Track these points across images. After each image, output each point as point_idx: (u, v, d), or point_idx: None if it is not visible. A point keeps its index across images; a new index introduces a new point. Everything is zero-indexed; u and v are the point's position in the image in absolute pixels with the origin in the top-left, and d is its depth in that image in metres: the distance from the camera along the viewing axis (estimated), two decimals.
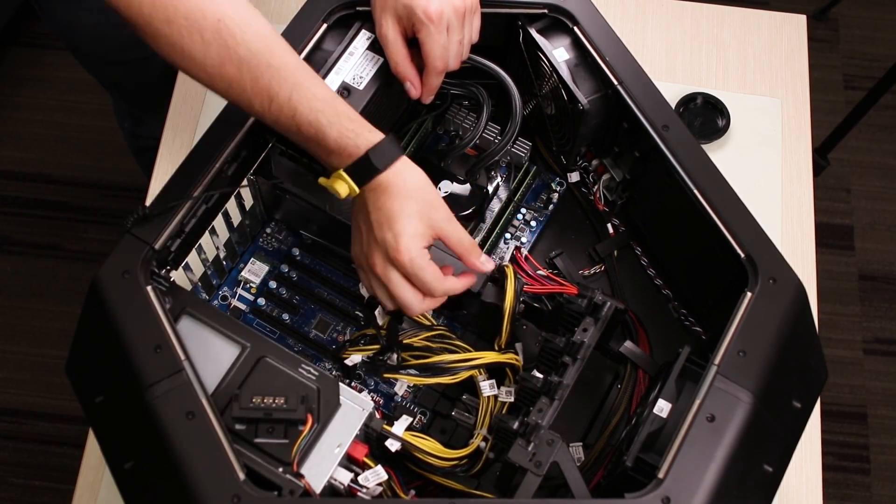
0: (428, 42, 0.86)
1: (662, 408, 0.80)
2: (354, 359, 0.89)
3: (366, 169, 0.79)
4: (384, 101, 0.92)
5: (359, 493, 0.79)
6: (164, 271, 0.85)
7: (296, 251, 1.01)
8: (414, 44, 0.88)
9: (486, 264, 0.84)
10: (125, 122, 1.50)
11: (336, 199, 0.81)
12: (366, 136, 0.79)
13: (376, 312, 0.91)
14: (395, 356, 0.87)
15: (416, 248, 0.79)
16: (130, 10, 0.76)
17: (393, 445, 0.82)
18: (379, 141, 0.79)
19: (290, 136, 0.81)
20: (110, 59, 1.29)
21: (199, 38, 0.76)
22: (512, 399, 0.88)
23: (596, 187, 1.03)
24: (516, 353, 0.89)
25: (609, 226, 1.02)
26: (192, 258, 0.90)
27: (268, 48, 0.78)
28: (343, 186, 0.80)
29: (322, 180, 0.82)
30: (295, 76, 0.79)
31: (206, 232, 0.90)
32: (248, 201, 0.97)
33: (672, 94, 1.12)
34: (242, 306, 0.98)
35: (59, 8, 1.21)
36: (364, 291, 0.95)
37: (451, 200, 0.97)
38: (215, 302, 0.99)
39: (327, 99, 0.79)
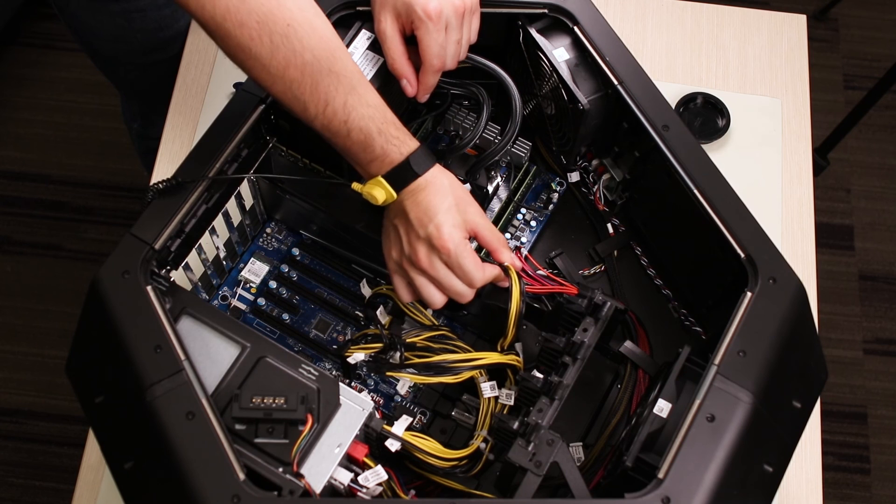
0: (426, 40, 0.86)
1: (662, 408, 0.80)
2: (357, 357, 0.89)
3: (404, 174, 0.83)
4: (384, 100, 0.92)
5: (359, 493, 0.79)
6: (164, 271, 0.85)
7: (296, 251, 1.01)
8: (412, 41, 0.88)
9: (515, 262, 0.87)
10: (134, 123, 1.49)
11: (337, 201, 0.83)
12: (408, 143, 0.83)
13: (378, 312, 0.92)
14: (397, 355, 0.87)
15: (459, 237, 0.83)
16: (203, 12, 0.78)
17: (393, 445, 0.82)
18: (416, 148, 0.83)
19: (338, 139, 0.83)
20: (126, 61, 1.30)
21: (269, 42, 0.78)
22: (512, 402, 0.88)
23: (596, 187, 1.03)
24: (517, 354, 0.89)
25: (609, 226, 1.02)
26: (192, 258, 0.90)
27: (330, 54, 0.81)
28: (381, 192, 0.83)
29: (357, 186, 0.85)
30: (351, 82, 0.81)
31: (206, 232, 0.90)
32: (248, 201, 0.97)
33: (672, 94, 1.12)
34: (242, 306, 0.98)
35: (79, 10, 1.21)
36: (365, 291, 0.95)
37: None
38: (215, 302, 0.99)
39: (378, 106, 0.83)
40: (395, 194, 0.83)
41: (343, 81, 0.81)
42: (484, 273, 0.85)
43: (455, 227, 0.83)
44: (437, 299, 0.85)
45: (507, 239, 1.02)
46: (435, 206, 0.83)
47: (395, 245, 0.86)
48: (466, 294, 0.85)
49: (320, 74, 0.80)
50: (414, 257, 0.84)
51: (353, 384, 0.94)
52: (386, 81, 0.90)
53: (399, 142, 0.83)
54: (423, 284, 0.85)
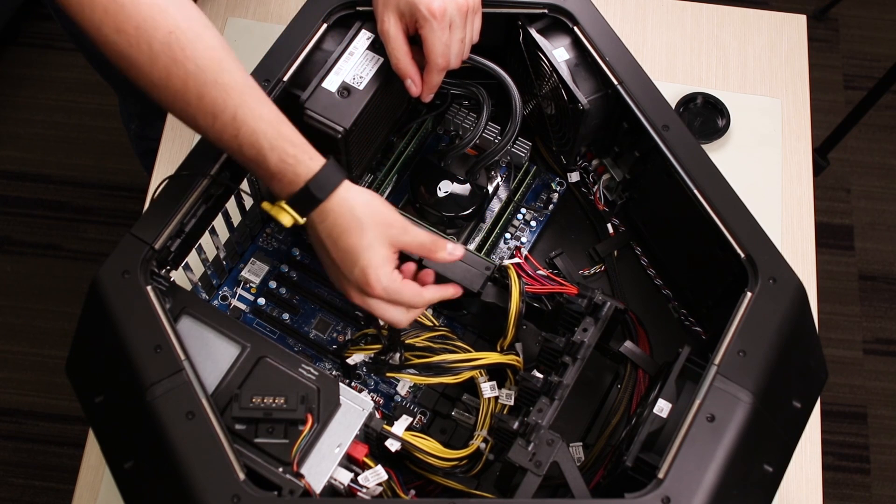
0: (430, 38, 0.86)
1: (662, 408, 0.80)
2: (357, 358, 0.89)
3: (307, 199, 0.77)
4: (384, 101, 0.92)
5: (359, 493, 0.79)
6: (164, 271, 0.85)
7: (296, 251, 1.01)
8: (415, 41, 0.88)
9: (455, 251, 0.83)
10: (132, 124, 1.49)
11: None
12: (306, 163, 0.76)
13: None
14: (397, 355, 0.87)
15: (386, 277, 0.78)
16: (82, 14, 0.74)
17: (393, 445, 0.82)
18: (319, 169, 0.76)
19: (234, 156, 0.78)
20: None
21: (148, 49, 0.74)
22: (512, 402, 0.88)
23: (596, 187, 1.03)
24: (517, 354, 0.89)
25: (609, 226, 1.02)
26: (192, 258, 0.90)
27: (217, 65, 0.76)
28: (286, 217, 0.78)
29: (266, 206, 0.79)
30: (241, 95, 0.76)
31: (206, 232, 0.90)
32: (248, 201, 0.97)
33: (672, 94, 1.12)
34: (242, 306, 0.98)
35: None
36: None
37: (451, 200, 0.97)
38: (215, 302, 0.99)
39: (271, 120, 0.77)
40: (300, 220, 0.78)
41: (232, 94, 0.75)
42: (424, 297, 0.81)
43: (381, 267, 0.77)
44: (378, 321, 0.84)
45: (507, 239, 1.02)
46: (354, 247, 0.77)
47: (329, 270, 0.82)
48: (402, 320, 0.81)
49: (206, 86, 0.75)
50: (346, 293, 0.80)
51: (353, 384, 0.94)
52: (386, 81, 0.90)
53: (294, 161, 0.76)
54: (362, 307, 0.82)
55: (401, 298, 0.79)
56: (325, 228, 0.78)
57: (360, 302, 0.80)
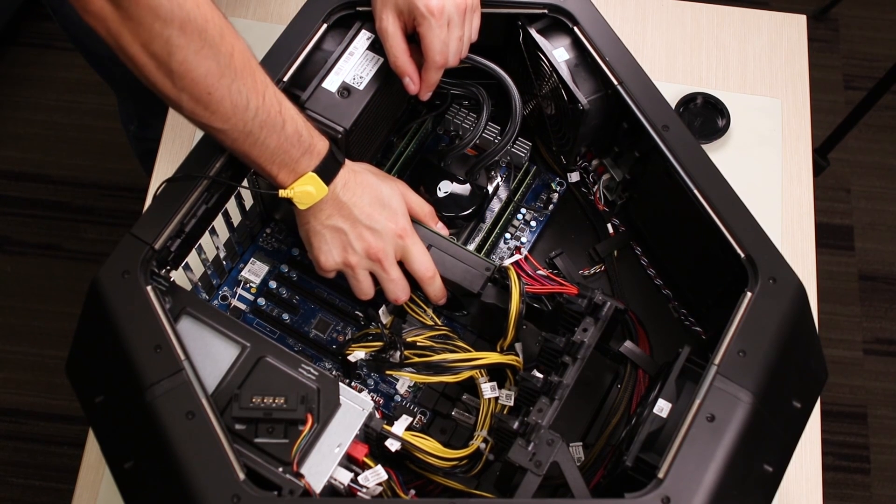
0: (428, 36, 0.86)
1: (662, 408, 0.80)
2: (357, 355, 0.89)
3: (331, 166, 0.83)
4: (384, 101, 0.92)
5: (359, 493, 0.79)
6: (164, 271, 0.85)
7: (296, 251, 1.01)
8: (413, 39, 0.88)
9: (442, 230, 0.91)
10: (131, 124, 1.49)
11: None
12: (320, 135, 0.83)
13: (380, 311, 0.92)
14: (398, 354, 0.87)
15: (410, 223, 0.87)
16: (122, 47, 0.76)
17: (393, 445, 0.82)
18: (328, 141, 0.83)
19: (272, 135, 0.80)
20: (121, 62, 1.29)
21: (209, 37, 0.75)
22: (512, 402, 0.88)
23: (596, 187, 1.03)
24: (517, 354, 0.89)
25: (609, 226, 1.02)
26: (192, 258, 0.90)
27: (247, 51, 0.79)
28: (313, 189, 0.82)
29: (285, 192, 0.82)
30: (267, 76, 0.80)
31: (206, 232, 0.90)
32: (248, 201, 0.97)
33: (672, 94, 1.12)
34: (242, 306, 0.98)
35: (73, 11, 1.20)
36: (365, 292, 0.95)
37: (451, 200, 0.97)
38: (215, 302, 0.99)
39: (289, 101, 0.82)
40: (326, 188, 0.82)
41: (262, 74, 0.79)
42: (432, 264, 0.87)
43: (405, 215, 0.86)
44: (366, 293, 0.88)
45: (507, 239, 1.02)
46: (386, 193, 0.85)
47: (335, 247, 0.86)
48: (404, 292, 0.88)
49: (254, 65, 0.78)
50: (372, 251, 0.85)
51: (353, 384, 0.94)
52: (386, 81, 0.90)
53: (317, 132, 0.83)
54: (362, 279, 0.87)
55: (420, 249, 0.86)
56: (348, 191, 0.84)
57: (383, 256, 0.85)
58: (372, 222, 0.84)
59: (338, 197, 0.83)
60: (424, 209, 0.90)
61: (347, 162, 0.85)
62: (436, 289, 0.88)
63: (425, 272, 0.87)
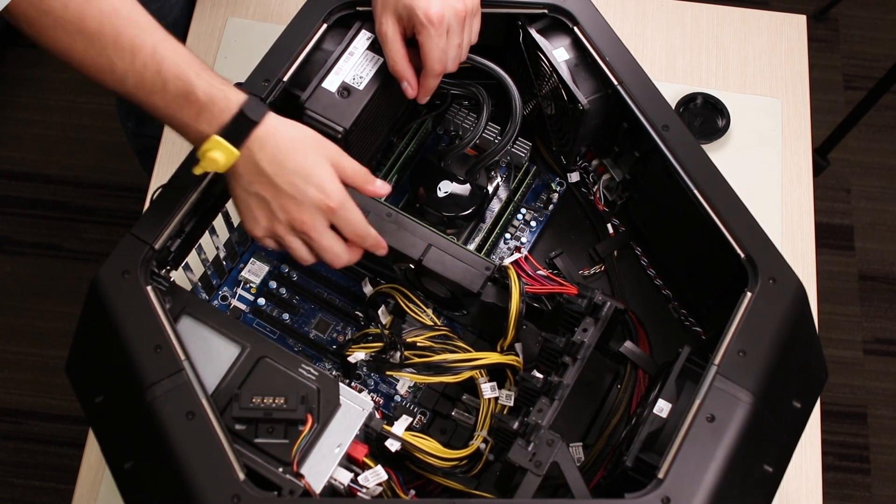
0: (427, 44, 0.86)
1: (662, 408, 0.80)
2: (358, 356, 0.89)
3: (242, 125, 0.76)
4: (384, 101, 0.92)
5: (359, 493, 0.79)
6: (164, 271, 0.85)
7: None
8: (413, 43, 0.88)
9: (382, 188, 0.83)
10: (128, 122, 1.49)
11: None
12: (235, 91, 0.77)
13: (379, 311, 0.92)
14: (398, 354, 0.87)
15: (342, 192, 0.79)
16: None
17: (393, 445, 0.82)
18: (248, 96, 0.77)
19: (156, 98, 0.76)
20: None
21: None
22: (512, 402, 0.88)
23: (596, 187, 1.03)
24: (517, 354, 0.89)
25: (609, 226, 1.02)
26: (192, 258, 0.90)
27: (131, 3, 0.75)
28: (220, 154, 0.76)
29: (198, 166, 0.77)
30: (158, 30, 0.76)
31: (206, 232, 0.90)
32: None
33: (672, 94, 1.12)
34: (242, 306, 0.98)
35: None
36: (367, 290, 0.95)
37: (451, 200, 0.97)
38: (215, 302, 0.99)
39: (192, 55, 0.77)
40: (236, 151, 0.76)
41: (147, 30, 0.75)
42: (369, 230, 0.82)
43: (335, 182, 0.78)
44: (308, 259, 0.83)
45: (507, 239, 1.02)
46: (303, 165, 0.77)
47: (260, 215, 0.80)
48: (344, 255, 0.82)
49: (120, 24, 0.73)
50: (296, 221, 0.78)
51: (353, 384, 0.94)
52: (386, 81, 0.90)
53: (224, 86, 0.76)
54: (296, 247, 0.81)
55: (353, 218, 0.80)
56: (267, 155, 0.77)
57: (310, 227, 0.79)
58: (295, 191, 0.77)
59: (255, 161, 0.77)
60: (358, 173, 0.81)
61: (269, 118, 0.77)
62: (372, 244, 0.83)
63: (358, 239, 0.82)
